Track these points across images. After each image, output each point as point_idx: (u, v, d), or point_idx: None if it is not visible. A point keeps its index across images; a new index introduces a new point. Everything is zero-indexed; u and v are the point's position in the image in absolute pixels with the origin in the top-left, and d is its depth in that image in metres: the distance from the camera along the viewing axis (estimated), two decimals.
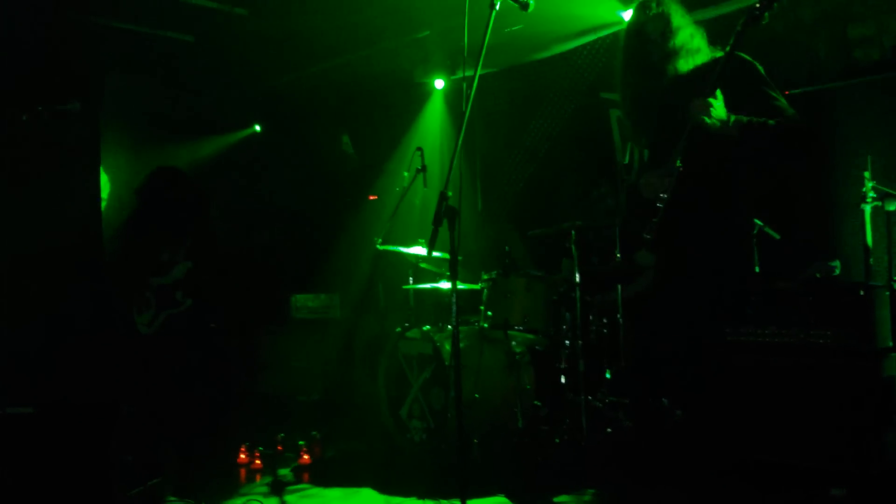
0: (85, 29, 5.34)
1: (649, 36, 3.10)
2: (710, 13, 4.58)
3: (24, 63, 5.16)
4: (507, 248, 4.81)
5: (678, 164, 2.94)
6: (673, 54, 3.06)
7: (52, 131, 3.73)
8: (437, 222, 2.75)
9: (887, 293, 3.41)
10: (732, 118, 2.86)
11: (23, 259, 4.95)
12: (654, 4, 3.09)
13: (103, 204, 5.79)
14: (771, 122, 2.89)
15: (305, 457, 4.29)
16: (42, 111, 3.65)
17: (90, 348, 4.93)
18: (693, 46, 3.08)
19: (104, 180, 5.84)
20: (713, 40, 3.14)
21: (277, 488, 3.89)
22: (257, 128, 7.28)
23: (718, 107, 2.85)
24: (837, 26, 4.56)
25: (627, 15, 5.11)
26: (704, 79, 2.94)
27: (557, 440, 4.10)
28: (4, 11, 4.89)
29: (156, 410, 3.94)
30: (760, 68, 3.00)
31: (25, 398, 3.29)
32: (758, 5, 2.75)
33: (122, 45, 5.70)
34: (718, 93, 2.85)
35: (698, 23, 3.17)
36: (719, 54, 3.04)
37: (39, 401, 3.25)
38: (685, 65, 3.08)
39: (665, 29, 3.05)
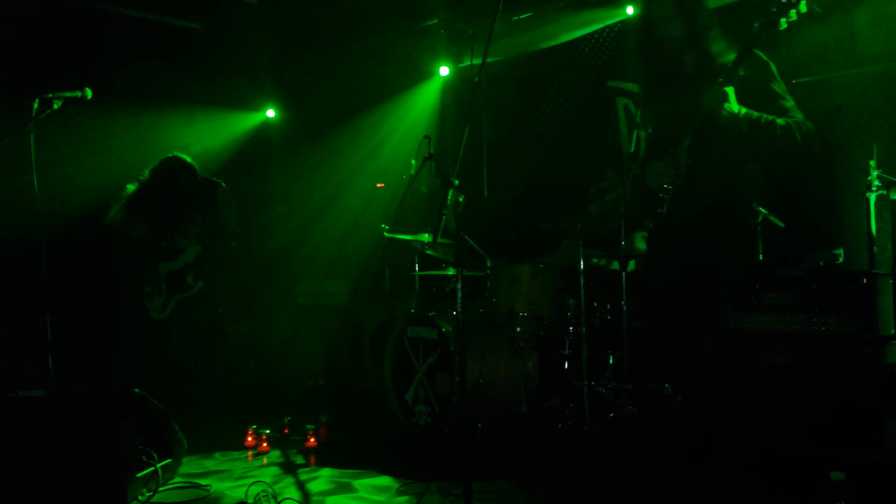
0: (95, 16, 5.38)
1: (655, 20, 3.10)
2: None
3: (36, 51, 5.19)
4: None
5: (686, 156, 2.96)
6: (681, 40, 3.06)
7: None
8: (443, 210, 2.78)
9: (890, 281, 3.43)
10: (743, 111, 2.86)
11: (31, 245, 4.99)
12: None
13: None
14: (780, 121, 2.89)
15: (312, 440, 4.34)
16: (52, 98, 3.68)
17: (103, 334, 4.98)
18: (705, 35, 3.07)
19: None
20: (729, 28, 3.13)
21: (284, 470, 3.94)
22: (270, 113, 7.29)
23: (731, 99, 2.86)
24: (847, 14, 4.55)
25: (631, 8, 5.11)
26: (717, 70, 2.94)
27: (560, 425, 4.14)
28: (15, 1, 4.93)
29: (166, 393, 3.99)
30: (773, 67, 3.00)
31: (38, 383, 3.32)
32: (774, 10, 2.73)
33: (134, 32, 5.74)
34: (730, 87, 2.86)
35: (716, 10, 3.16)
36: (735, 46, 3.04)
37: (52, 385, 3.30)
38: (695, 52, 3.07)
39: (672, 14, 3.05)
